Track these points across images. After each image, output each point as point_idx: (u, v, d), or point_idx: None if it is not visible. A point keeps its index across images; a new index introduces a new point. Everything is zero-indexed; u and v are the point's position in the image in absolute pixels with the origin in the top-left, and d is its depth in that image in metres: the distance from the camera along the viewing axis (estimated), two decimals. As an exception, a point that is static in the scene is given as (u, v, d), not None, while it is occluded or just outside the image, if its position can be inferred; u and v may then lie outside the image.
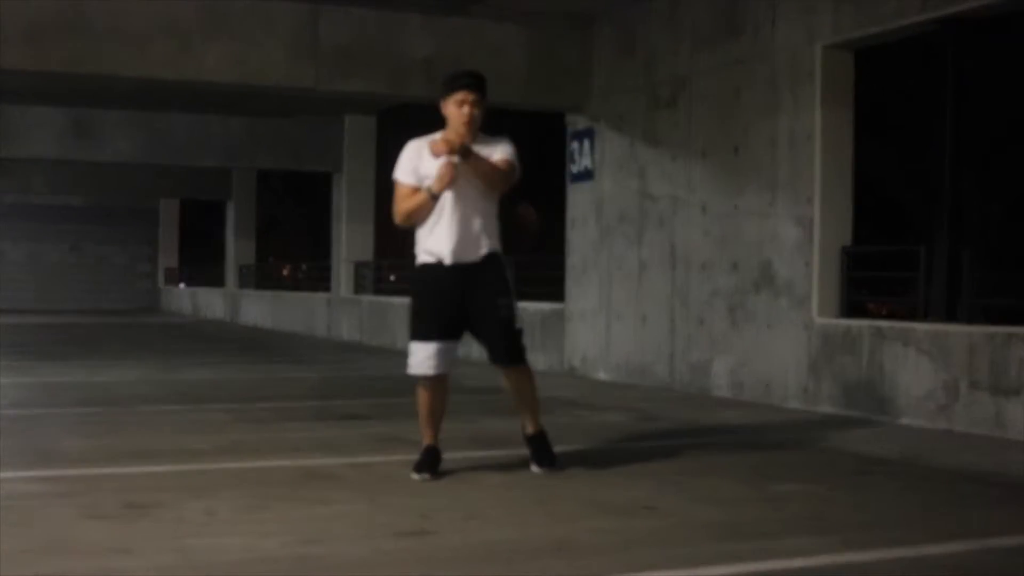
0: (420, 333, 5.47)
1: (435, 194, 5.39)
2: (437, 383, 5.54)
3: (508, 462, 5.87)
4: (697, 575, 3.81)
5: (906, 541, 4.31)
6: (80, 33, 9.55)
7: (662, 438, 7.11)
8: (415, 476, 5.45)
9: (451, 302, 5.45)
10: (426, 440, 5.58)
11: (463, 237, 5.42)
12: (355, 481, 5.52)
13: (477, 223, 5.46)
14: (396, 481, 5.43)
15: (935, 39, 8.27)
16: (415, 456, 5.59)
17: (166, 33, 9.81)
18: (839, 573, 3.88)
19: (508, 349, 5.53)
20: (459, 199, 5.42)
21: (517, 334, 5.55)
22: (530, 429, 5.72)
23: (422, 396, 5.57)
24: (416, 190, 5.46)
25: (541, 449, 5.70)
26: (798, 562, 3.95)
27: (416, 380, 5.57)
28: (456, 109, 5.48)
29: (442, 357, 5.47)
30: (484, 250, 5.49)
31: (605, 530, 4.47)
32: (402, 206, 5.49)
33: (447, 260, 5.43)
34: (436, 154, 5.36)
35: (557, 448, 5.87)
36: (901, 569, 3.97)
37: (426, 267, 5.50)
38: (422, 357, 5.45)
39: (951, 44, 8.04)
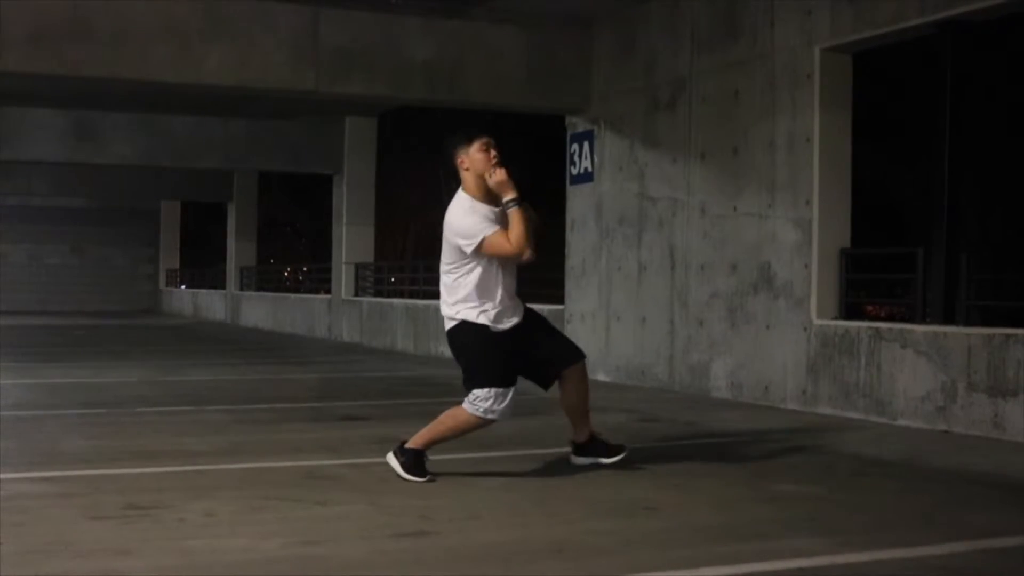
0: (503, 379, 5.51)
1: (518, 200, 5.49)
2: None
3: (507, 464, 5.89)
4: (696, 576, 3.83)
5: (905, 542, 4.34)
6: (82, 36, 9.58)
7: (661, 439, 7.13)
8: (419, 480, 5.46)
9: (517, 348, 5.60)
10: (426, 446, 5.59)
11: (515, 300, 5.67)
12: (355, 482, 5.55)
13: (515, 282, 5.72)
14: (396, 482, 5.45)
15: (933, 42, 8.29)
16: (415, 457, 5.59)
17: (167, 36, 9.84)
18: (838, 574, 3.90)
19: (571, 341, 5.88)
20: (508, 264, 5.61)
21: None
22: (588, 433, 5.84)
23: (471, 426, 5.58)
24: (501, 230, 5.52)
25: (604, 444, 5.87)
26: (798, 563, 3.97)
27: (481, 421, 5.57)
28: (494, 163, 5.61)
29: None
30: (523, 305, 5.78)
31: (604, 531, 4.49)
32: (514, 239, 5.49)
33: (510, 326, 5.59)
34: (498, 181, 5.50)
35: (557, 449, 5.90)
36: (900, 570, 3.99)
37: (501, 333, 5.56)
38: (507, 402, 5.49)
39: (949, 47, 8.05)
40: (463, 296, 5.55)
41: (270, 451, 6.49)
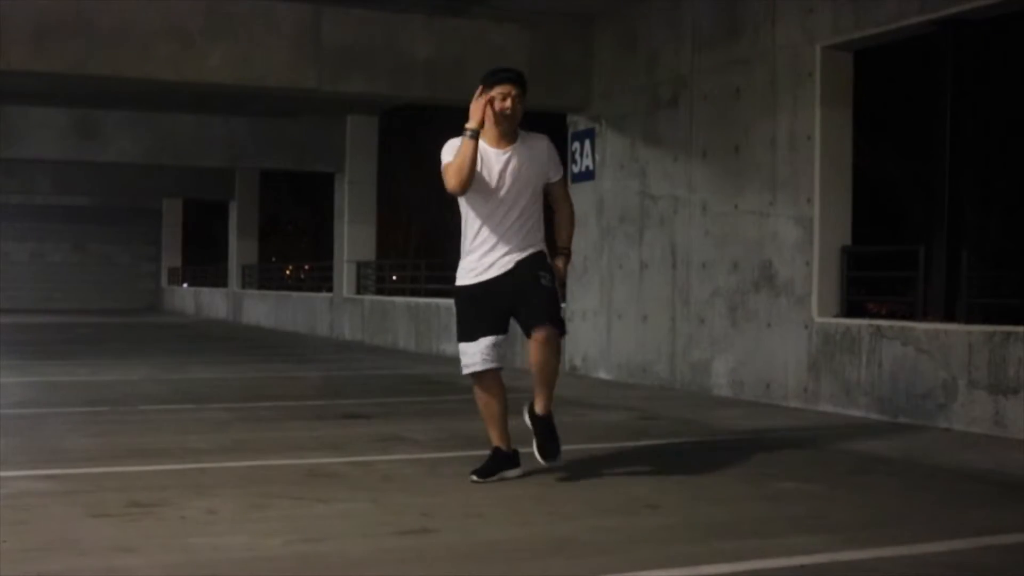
0: (466, 334, 5.40)
1: (474, 131, 5.32)
2: (490, 380, 5.42)
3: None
4: (698, 574, 3.83)
5: (906, 539, 4.33)
6: (84, 34, 9.59)
7: (663, 437, 7.13)
8: (473, 478, 5.39)
9: (497, 301, 5.37)
10: (494, 441, 5.50)
11: (511, 250, 5.36)
12: (357, 480, 5.55)
13: (524, 230, 5.40)
14: (398, 480, 5.46)
15: (934, 40, 8.29)
16: (416, 455, 5.61)
17: (169, 34, 9.85)
18: (840, 571, 3.90)
19: (547, 310, 5.27)
20: (511, 201, 5.37)
21: (557, 302, 5.39)
22: (540, 409, 5.38)
23: (479, 396, 5.47)
24: None
25: (548, 435, 5.42)
26: (799, 560, 3.97)
27: (474, 382, 5.47)
28: (499, 102, 5.47)
29: (491, 351, 5.36)
30: (530, 250, 5.41)
31: (606, 529, 4.49)
32: (450, 168, 5.32)
33: (493, 276, 5.37)
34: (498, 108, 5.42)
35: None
36: (901, 567, 3.99)
37: (472, 286, 5.41)
38: (471, 353, 5.37)
39: (950, 45, 8.05)
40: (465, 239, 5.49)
41: (272, 449, 6.49)
